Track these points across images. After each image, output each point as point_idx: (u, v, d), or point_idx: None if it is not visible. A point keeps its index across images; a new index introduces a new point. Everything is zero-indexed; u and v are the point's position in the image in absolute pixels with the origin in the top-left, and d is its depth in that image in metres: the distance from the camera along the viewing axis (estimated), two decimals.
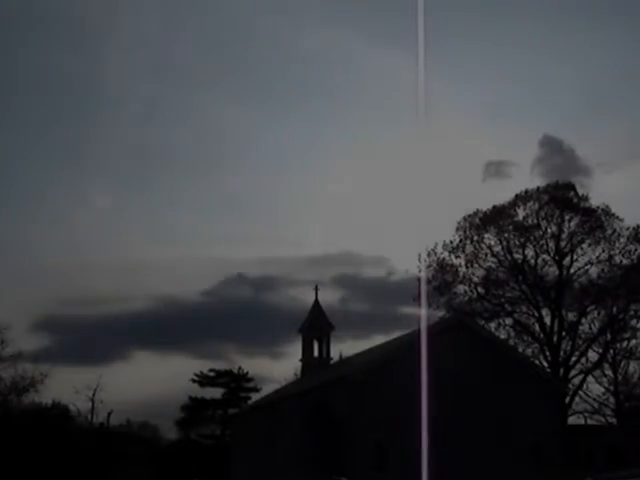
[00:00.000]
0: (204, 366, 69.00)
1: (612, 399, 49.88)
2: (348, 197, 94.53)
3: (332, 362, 42.75)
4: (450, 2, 73.43)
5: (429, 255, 48.99)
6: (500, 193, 49.66)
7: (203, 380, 66.54)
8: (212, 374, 66.64)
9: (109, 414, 62.34)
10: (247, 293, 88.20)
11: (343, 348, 48.14)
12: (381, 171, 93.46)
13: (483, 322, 47.99)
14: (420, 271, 48.83)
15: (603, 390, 49.68)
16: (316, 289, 44.28)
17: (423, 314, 43.98)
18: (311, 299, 43.93)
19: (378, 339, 53.49)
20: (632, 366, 50.10)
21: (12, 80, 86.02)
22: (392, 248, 68.33)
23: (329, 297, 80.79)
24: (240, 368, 67.09)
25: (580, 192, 49.24)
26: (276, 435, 35.10)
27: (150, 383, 76.22)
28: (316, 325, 43.02)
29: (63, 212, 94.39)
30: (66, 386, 64.03)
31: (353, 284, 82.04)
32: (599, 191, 59.02)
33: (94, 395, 63.48)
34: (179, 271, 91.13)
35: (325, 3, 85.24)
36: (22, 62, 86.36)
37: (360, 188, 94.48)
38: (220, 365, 69.02)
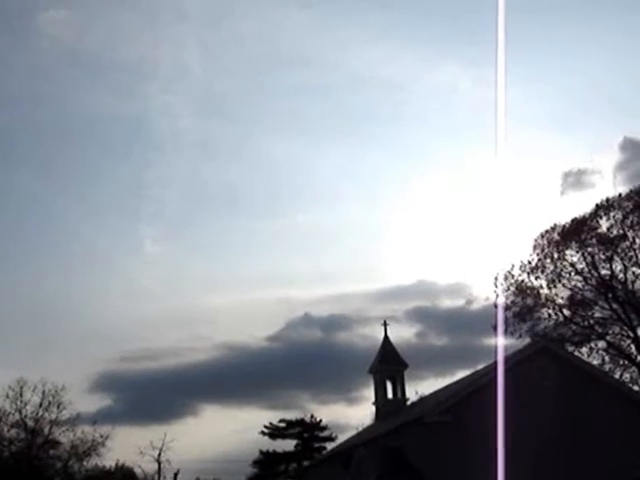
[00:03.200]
0: (275, 417, 68.69)
1: None
2: (418, 224, 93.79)
3: (408, 403, 41.66)
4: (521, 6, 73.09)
5: (506, 278, 47.79)
6: (582, 205, 48.39)
7: (274, 432, 65.90)
8: (283, 425, 65.98)
9: (176, 474, 62.32)
10: (315, 334, 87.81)
11: (424, 387, 47.11)
12: (453, 193, 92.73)
13: (573, 348, 46.51)
14: (497, 297, 47.72)
15: None
16: (385, 324, 43.33)
17: (500, 344, 42.80)
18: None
19: (462, 375, 52.28)
20: None
21: (62, 127, 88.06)
22: (470, 273, 67.34)
23: (404, 332, 79.88)
24: (312, 416, 66.37)
25: None
26: None
27: (220, 438, 76.13)
28: (387, 364, 41.96)
29: (119, 262, 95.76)
30: (130, 447, 64.29)
31: (430, 316, 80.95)
32: None
33: (160, 455, 63.62)
34: (242, 316, 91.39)
35: (378, 18, 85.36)
36: (70, 108, 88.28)
37: (431, 213, 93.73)
38: (292, 415, 68.22)
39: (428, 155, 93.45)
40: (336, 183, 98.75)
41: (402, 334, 76.68)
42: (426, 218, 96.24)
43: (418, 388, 45.24)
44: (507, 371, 30.07)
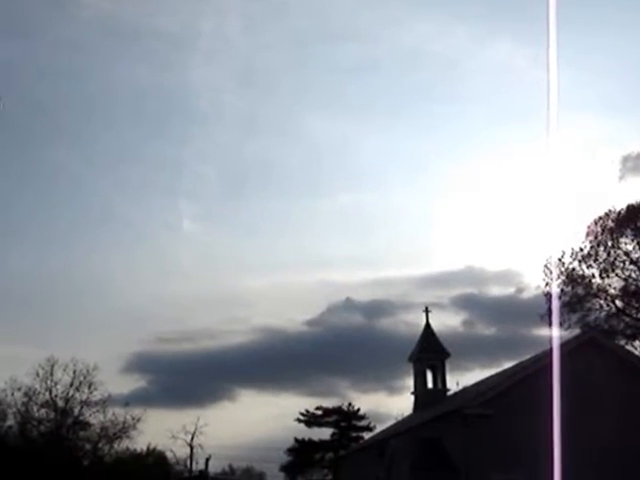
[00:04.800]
0: (313, 404, 68.52)
1: None
2: (468, 207, 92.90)
3: (449, 394, 41.34)
4: None
5: (556, 266, 47.09)
6: None
7: (310, 419, 65.94)
8: (319, 412, 65.94)
9: (207, 460, 62.71)
10: (357, 320, 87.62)
11: (469, 378, 46.66)
12: (505, 176, 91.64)
13: (625, 341, 45.77)
14: (546, 285, 47.05)
15: None
16: (426, 311, 43.04)
17: (555, 334, 42.21)
18: (432, 323, 42.65)
19: (509, 366, 51.83)
20: None
21: (98, 99, 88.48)
22: (521, 260, 66.59)
23: (450, 320, 79.35)
24: (350, 404, 66.27)
25: None
26: (384, 478, 33.91)
27: (254, 424, 76.42)
28: (428, 352, 41.69)
29: (154, 240, 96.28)
30: (162, 431, 64.88)
31: (477, 304, 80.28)
32: None
33: (192, 439, 64.06)
34: (282, 300, 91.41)
35: None
36: (106, 80, 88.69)
37: (481, 197, 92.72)
38: (331, 403, 68.20)
39: (479, 137, 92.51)
40: (381, 164, 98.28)
41: (447, 322, 76.20)
42: (476, 202, 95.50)
43: (463, 379, 44.98)
44: (550, 364, 29.53)
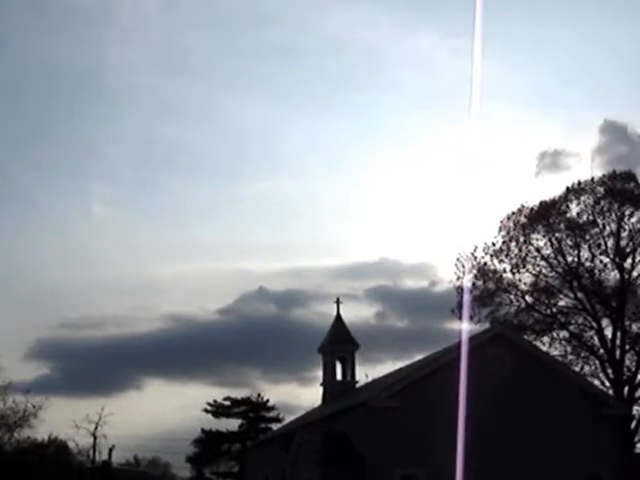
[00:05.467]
0: (222, 394, 68.17)
1: None
2: (385, 199, 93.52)
3: (358, 386, 41.54)
4: None
5: (467, 260, 47.72)
6: (556, 187, 48.24)
7: (217, 410, 65.66)
8: (228, 403, 65.70)
9: (111, 450, 61.85)
10: (270, 310, 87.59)
11: (382, 370, 46.95)
12: (423, 168, 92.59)
13: (533, 336, 46.64)
14: (458, 278, 47.68)
15: None
16: (337, 302, 43.16)
17: (464, 328, 42.82)
18: (344, 315, 42.74)
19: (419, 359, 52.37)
20: None
21: (9, 72, 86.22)
22: (436, 254, 67.37)
23: (364, 312, 79.83)
24: (259, 395, 66.16)
25: None
26: (289, 471, 33.93)
27: (161, 415, 75.90)
28: (337, 344, 41.81)
29: (61, 223, 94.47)
30: (65, 420, 63.80)
31: (391, 297, 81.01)
32: None
33: (96, 429, 63.14)
34: (193, 287, 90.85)
35: None
36: (14, 55, 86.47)
37: (398, 188, 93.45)
38: (241, 393, 67.98)
39: (399, 127, 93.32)
40: (303, 152, 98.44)
41: (361, 313, 76.73)
42: (393, 193, 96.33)
43: (375, 371, 45.19)
44: (456, 359, 30.04)
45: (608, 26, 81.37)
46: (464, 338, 32.29)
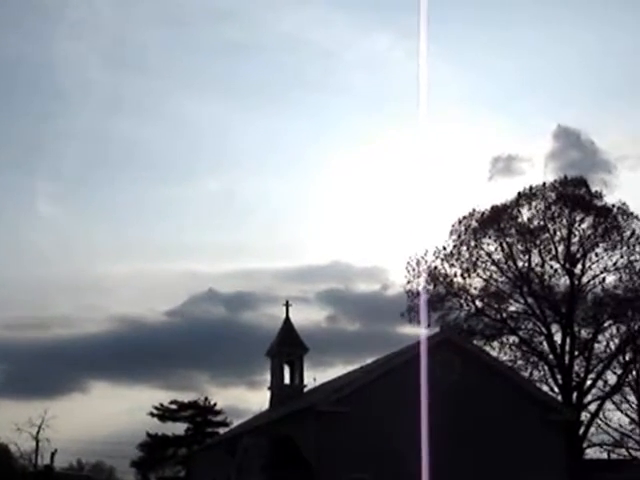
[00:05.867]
0: (169, 398, 67.55)
1: (638, 429, 48.32)
2: (338, 201, 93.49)
3: (306, 390, 41.34)
4: None
5: (418, 264, 47.78)
6: (509, 192, 48.44)
7: (164, 413, 65.08)
8: (174, 406, 65.14)
9: (53, 454, 60.98)
10: (220, 312, 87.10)
11: (332, 374, 46.77)
12: (376, 171, 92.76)
13: (483, 341, 46.83)
14: (409, 282, 47.75)
15: (627, 419, 48.37)
16: (287, 304, 42.91)
17: (421, 332, 42.77)
18: (295, 318, 42.50)
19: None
20: None
21: None
22: (388, 257, 67.34)
23: (314, 315, 79.65)
24: (207, 399, 65.71)
25: (596, 189, 48.21)
26: (235, 475, 33.58)
27: (106, 418, 74.93)
28: (286, 347, 41.55)
29: (7, 220, 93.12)
30: (6, 423, 62.84)
31: (343, 300, 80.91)
32: (623, 189, 57.58)
33: (38, 433, 62.25)
34: (142, 288, 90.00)
35: None
36: None
37: (351, 190, 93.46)
38: (189, 397, 67.45)
39: (353, 128, 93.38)
40: (255, 151, 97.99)
41: (312, 317, 76.68)
42: (346, 195, 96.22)
43: (325, 375, 45.04)
44: (406, 363, 29.98)
45: (564, 30, 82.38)
46: (422, 341, 32.11)
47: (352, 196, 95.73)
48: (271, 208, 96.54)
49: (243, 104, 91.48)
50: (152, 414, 64.94)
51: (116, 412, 77.54)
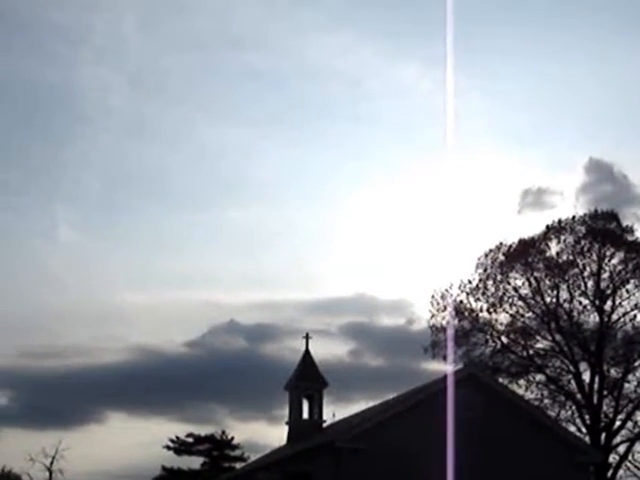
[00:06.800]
0: (187, 431, 67.02)
1: None
2: (364, 232, 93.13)
3: (325, 425, 40.91)
4: (482, 11, 73.36)
5: (443, 297, 47.39)
6: (539, 226, 47.93)
7: (180, 447, 64.65)
8: (190, 440, 64.76)
9: None
10: (241, 344, 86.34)
11: (354, 410, 46.18)
12: (404, 203, 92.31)
13: (509, 379, 46.26)
14: (432, 316, 47.35)
15: None
16: (307, 337, 42.44)
17: (448, 368, 42.30)
18: (317, 351, 42.10)
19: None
20: None
21: None
22: (414, 290, 66.66)
23: (337, 349, 78.96)
24: (224, 433, 65.23)
25: (627, 223, 47.75)
26: None
27: (122, 450, 74.36)
28: (305, 381, 41.08)
29: (26, 246, 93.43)
30: (21, 452, 62.53)
31: (367, 334, 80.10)
32: None
33: (52, 463, 62.00)
34: (161, 318, 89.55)
35: (336, 3, 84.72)
36: None
37: (378, 222, 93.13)
38: (208, 430, 66.84)
39: (380, 160, 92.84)
40: (279, 181, 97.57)
41: (334, 350, 75.77)
42: (372, 227, 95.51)
43: (348, 411, 44.43)
44: (428, 399, 29.60)
45: (595, 61, 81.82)
46: (448, 376, 31.69)
47: (378, 227, 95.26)
48: (295, 238, 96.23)
49: (266, 132, 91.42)
50: (168, 447, 64.52)
51: (132, 444, 76.96)
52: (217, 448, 64.60)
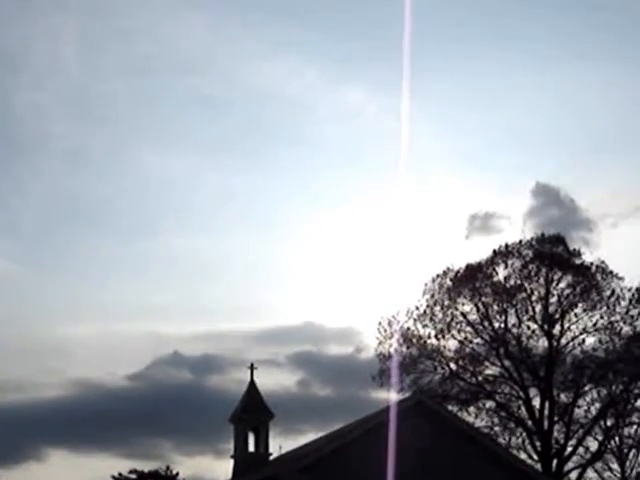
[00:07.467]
0: (131, 467, 65.81)
1: None
2: (310, 260, 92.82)
3: (272, 458, 40.33)
4: (432, 34, 74.00)
5: (390, 324, 47.17)
6: (486, 251, 48.03)
7: None
8: (134, 476, 63.57)
9: None
10: (185, 376, 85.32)
11: (303, 441, 45.68)
12: (350, 229, 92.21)
13: (458, 406, 46.10)
14: (379, 344, 47.13)
15: None
16: (251, 368, 41.89)
17: (392, 397, 42.09)
18: (264, 382, 41.55)
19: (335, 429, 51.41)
20: None
21: None
22: (362, 318, 66.37)
23: (286, 380, 78.21)
24: (168, 468, 64.15)
25: (574, 246, 48.06)
26: None
27: None
28: (250, 413, 40.50)
29: None
30: None
31: (315, 363, 79.66)
32: (605, 247, 57.21)
33: None
34: (102, 351, 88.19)
35: (279, 29, 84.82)
36: None
37: (324, 249, 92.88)
38: (152, 466, 65.61)
39: (329, 186, 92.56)
40: (224, 208, 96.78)
41: (282, 381, 74.99)
42: (321, 254, 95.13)
43: (296, 442, 43.89)
44: (374, 429, 29.23)
45: (542, 88, 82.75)
46: (392, 406, 31.39)
47: (326, 254, 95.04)
48: (241, 267, 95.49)
49: (213, 159, 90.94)
50: None
51: None
52: None
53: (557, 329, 46.48)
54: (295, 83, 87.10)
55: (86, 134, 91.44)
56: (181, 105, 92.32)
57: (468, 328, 47.14)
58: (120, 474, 63.72)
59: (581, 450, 46.40)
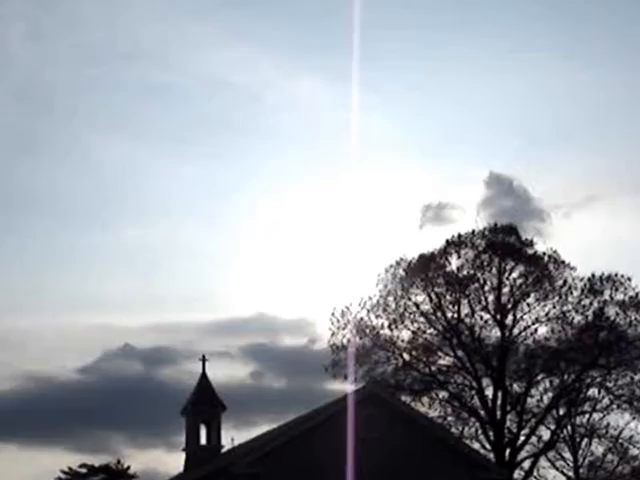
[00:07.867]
0: (82, 461, 65.38)
1: None
2: (263, 250, 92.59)
3: (224, 451, 40.25)
4: (385, 26, 73.94)
5: (343, 315, 47.19)
6: (440, 241, 48.17)
7: (72, 478, 63.06)
8: (84, 470, 63.24)
9: None
10: (136, 368, 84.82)
11: (256, 433, 45.63)
12: (303, 219, 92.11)
13: (412, 396, 46.29)
14: (332, 335, 47.12)
15: (563, 477, 48.20)
16: (203, 359, 41.76)
17: (349, 388, 42.08)
18: (216, 374, 41.38)
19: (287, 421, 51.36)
20: (595, 446, 48.54)
21: None
22: (315, 309, 66.30)
23: (239, 371, 78.04)
24: (119, 462, 63.86)
25: (527, 237, 48.37)
26: None
27: None
28: (201, 405, 40.38)
29: None
30: None
31: (268, 355, 79.58)
32: (557, 237, 57.74)
33: None
34: (52, 344, 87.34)
35: (231, 16, 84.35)
36: None
37: (278, 239, 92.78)
38: (103, 460, 65.25)
39: (281, 176, 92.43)
40: (172, 197, 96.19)
41: (235, 373, 74.84)
42: (273, 245, 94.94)
43: (250, 434, 43.83)
44: (327, 420, 29.28)
45: (495, 76, 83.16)
46: (349, 396, 31.42)
47: (279, 244, 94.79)
48: (194, 258, 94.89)
49: (166, 149, 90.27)
50: (59, 479, 62.93)
51: (26, 477, 74.74)
52: (112, 478, 63.20)
53: (510, 319, 46.83)
54: (247, 72, 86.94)
55: (35, 122, 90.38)
56: (132, 94, 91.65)
57: (421, 318, 47.31)
58: (70, 468, 63.37)
59: (534, 439, 46.89)
